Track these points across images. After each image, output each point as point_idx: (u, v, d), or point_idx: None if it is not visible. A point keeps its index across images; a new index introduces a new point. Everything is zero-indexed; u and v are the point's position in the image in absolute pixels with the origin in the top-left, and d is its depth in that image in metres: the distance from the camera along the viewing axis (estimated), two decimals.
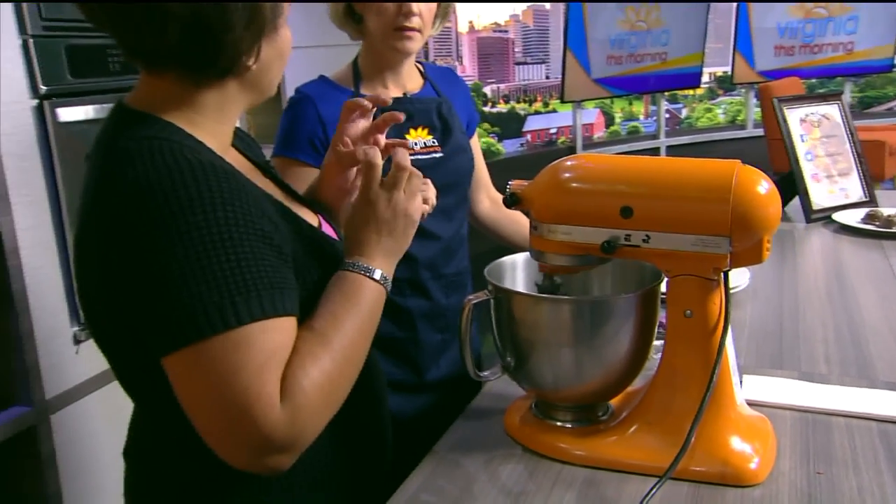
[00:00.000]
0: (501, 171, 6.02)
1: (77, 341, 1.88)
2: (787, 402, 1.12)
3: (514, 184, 1.03)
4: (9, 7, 1.73)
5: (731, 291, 1.54)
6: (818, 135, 2.27)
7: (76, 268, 0.92)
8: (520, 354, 1.03)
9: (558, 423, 1.05)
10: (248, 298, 0.79)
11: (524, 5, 5.48)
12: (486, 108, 5.35)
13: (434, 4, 1.49)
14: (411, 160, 1.08)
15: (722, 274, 0.95)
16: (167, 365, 0.81)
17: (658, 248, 0.95)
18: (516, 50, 5.52)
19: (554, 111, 5.75)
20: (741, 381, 1.04)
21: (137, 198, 0.80)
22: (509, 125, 5.49)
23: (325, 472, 0.97)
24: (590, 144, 5.77)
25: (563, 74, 5.32)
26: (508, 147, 5.48)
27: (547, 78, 5.70)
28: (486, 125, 5.33)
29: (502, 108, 5.45)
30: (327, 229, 1.08)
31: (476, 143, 1.72)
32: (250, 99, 0.97)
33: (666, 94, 5.82)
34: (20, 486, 1.88)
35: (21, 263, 1.73)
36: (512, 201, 1.02)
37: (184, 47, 0.86)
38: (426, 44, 4.95)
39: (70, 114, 1.85)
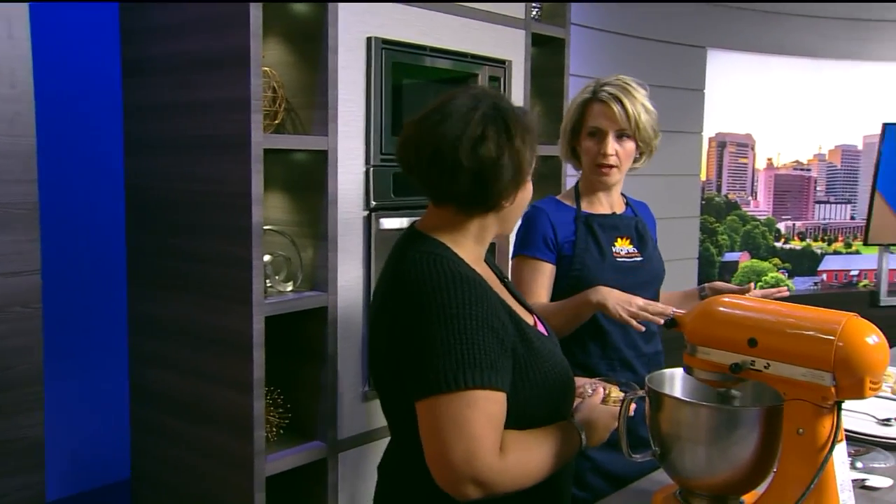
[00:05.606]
0: None
1: (365, 399, 2.41)
2: None
3: (676, 313, 1.33)
4: (361, 145, 2.37)
5: None
6: None
7: (370, 336, 1.38)
8: (664, 445, 1.30)
9: None
10: (474, 370, 1.18)
11: (832, 145, 5.46)
12: (778, 244, 5.36)
13: (631, 146, 1.86)
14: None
15: (835, 403, 1.16)
16: (418, 407, 1.22)
17: (776, 374, 1.18)
18: (818, 188, 5.49)
19: (857, 252, 5.56)
20: (852, 499, 1.20)
21: (417, 293, 1.24)
22: (801, 262, 5.43)
23: None
24: None
25: (869, 216, 5.19)
26: (799, 284, 5.40)
27: (852, 219, 5.56)
28: (776, 260, 5.33)
29: (796, 244, 5.42)
30: (539, 327, 1.44)
31: None
32: (499, 230, 1.38)
33: None
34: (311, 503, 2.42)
35: (336, 332, 2.31)
36: (670, 325, 1.32)
37: (466, 191, 1.29)
38: (720, 177, 5.16)
39: (389, 223, 2.43)
